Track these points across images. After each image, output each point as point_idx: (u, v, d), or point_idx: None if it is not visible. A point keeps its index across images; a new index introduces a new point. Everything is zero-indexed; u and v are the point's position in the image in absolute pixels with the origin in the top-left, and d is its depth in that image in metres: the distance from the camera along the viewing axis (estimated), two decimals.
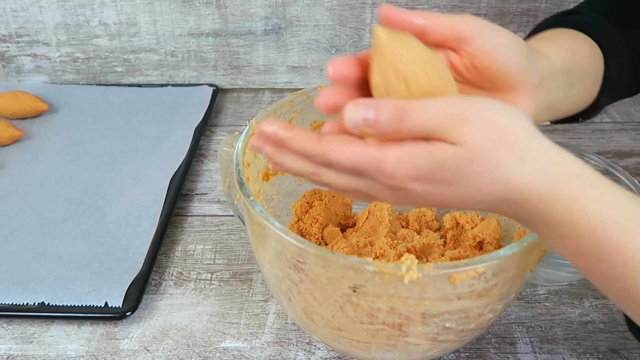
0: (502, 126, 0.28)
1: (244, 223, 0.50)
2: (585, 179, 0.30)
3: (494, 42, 0.33)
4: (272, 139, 0.32)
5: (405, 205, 0.32)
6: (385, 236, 0.49)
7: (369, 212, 0.53)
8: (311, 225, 0.52)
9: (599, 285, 0.32)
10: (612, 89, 0.45)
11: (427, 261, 0.48)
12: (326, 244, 0.52)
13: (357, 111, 0.28)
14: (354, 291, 0.35)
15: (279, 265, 0.39)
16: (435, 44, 0.33)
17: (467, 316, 0.38)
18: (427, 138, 0.28)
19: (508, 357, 0.48)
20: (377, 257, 0.46)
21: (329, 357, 0.49)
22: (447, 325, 0.38)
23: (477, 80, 0.35)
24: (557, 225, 0.30)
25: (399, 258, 0.46)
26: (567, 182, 0.29)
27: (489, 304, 0.38)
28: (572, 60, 0.41)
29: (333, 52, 0.86)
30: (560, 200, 0.29)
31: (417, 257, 0.40)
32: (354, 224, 0.55)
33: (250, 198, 0.39)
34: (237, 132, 0.46)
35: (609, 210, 0.29)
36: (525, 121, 0.29)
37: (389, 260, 0.45)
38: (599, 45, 0.44)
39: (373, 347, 0.40)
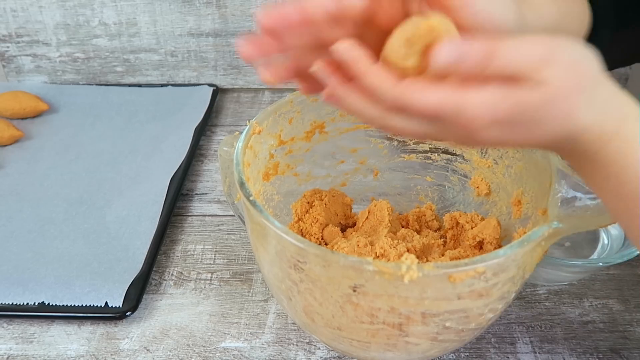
0: (581, 68, 0.29)
1: (244, 223, 0.49)
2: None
3: (486, 5, 0.33)
4: (348, 66, 0.30)
5: (467, 145, 0.32)
6: (385, 236, 0.49)
7: (369, 212, 0.53)
8: (311, 225, 0.52)
9: (634, 229, 0.32)
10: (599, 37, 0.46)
11: (427, 261, 0.48)
12: (326, 244, 0.52)
13: (450, 49, 0.27)
14: (354, 291, 0.35)
15: (279, 265, 0.39)
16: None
17: (467, 316, 0.38)
18: (511, 78, 0.28)
19: (508, 357, 0.48)
20: (378, 257, 0.46)
21: (329, 357, 0.49)
22: (447, 324, 0.38)
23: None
24: (605, 165, 0.31)
25: (399, 258, 0.46)
26: (624, 124, 0.30)
27: (489, 303, 0.38)
28: (562, 21, 0.41)
29: None
30: (614, 140, 0.30)
31: (417, 257, 0.40)
32: (354, 224, 0.55)
33: (251, 198, 0.39)
34: (237, 132, 0.46)
35: None
36: (597, 62, 0.30)
37: (389, 260, 0.45)
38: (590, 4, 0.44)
39: (373, 347, 0.40)
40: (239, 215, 0.51)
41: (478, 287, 0.35)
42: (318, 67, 0.31)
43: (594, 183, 0.33)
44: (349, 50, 0.29)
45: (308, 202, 0.54)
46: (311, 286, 0.38)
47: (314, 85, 0.33)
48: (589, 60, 0.30)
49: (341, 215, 0.55)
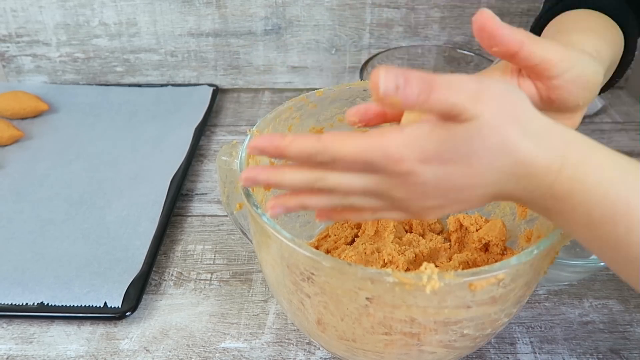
0: (510, 101, 0.29)
1: (244, 234, 0.49)
2: (587, 145, 0.30)
3: (576, 80, 0.34)
4: (269, 151, 0.30)
5: (416, 210, 0.32)
6: (392, 242, 0.49)
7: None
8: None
9: (618, 257, 0.30)
10: (624, 67, 0.47)
11: (436, 266, 0.47)
12: (328, 251, 0.51)
13: (390, 76, 0.27)
14: (369, 302, 0.35)
15: (290, 277, 0.38)
16: (519, 67, 0.34)
17: (484, 322, 0.37)
18: (444, 115, 0.28)
19: (508, 357, 0.48)
20: (386, 264, 0.46)
21: (329, 358, 0.49)
22: (465, 332, 0.37)
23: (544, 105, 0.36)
24: (567, 197, 0.29)
25: (408, 264, 0.46)
26: (570, 149, 0.29)
27: (505, 308, 0.37)
28: (615, 57, 0.42)
29: (333, 52, 0.86)
30: (566, 167, 0.29)
31: (425, 262, 0.40)
32: (357, 227, 0.55)
33: (259, 210, 0.38)
34: (235, 141, 0.46)
35: (616, 171, 0.29)
36: (526, 98, 0.30)
37: (398, 266, 0.45)
38: (621, 27, 0.44)
39: (387, 357, 0.40)
40: (238, 226, 0.50)
41: (496, 293, 0.35)
42: (246, 179, 0.31)
43: (566, 220, 0.31)
44: (258, 142, 0.30)
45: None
46: (325, 299, 0.37)
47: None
48: (519, 94, 0.30)
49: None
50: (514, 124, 0.28)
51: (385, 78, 0.27)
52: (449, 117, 0.28)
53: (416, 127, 0.28)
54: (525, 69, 0.35)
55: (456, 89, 0.28)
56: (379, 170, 0.29)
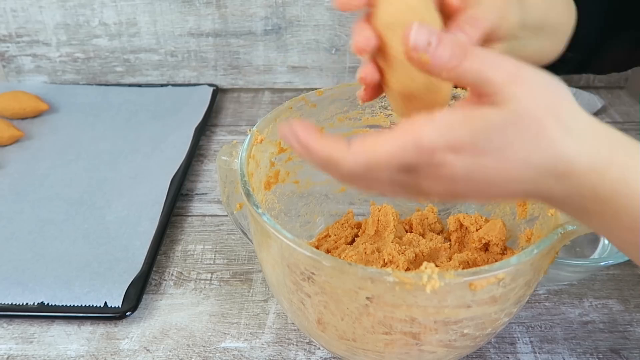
0: (553, 94, 0.27)
1: (244, 234, 0.49)
2: (634, 146, 0.28)
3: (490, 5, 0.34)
4: (297, 149, 0.29)
5: (450, 199, 0.30)
6: (392, 242, 0.49)
7: (373, 218, 0.53)
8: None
9: None
10: (577, 48, 0.44)
11: (437, 266, 0.47)
12: (328, 251, 0.51)
13: (422, 32, 0.26)
14: (370, 301, 0.35)
15: (291, 277, 0.38)
16: None
17: (484, 322, 0.37)
18: (477, 93, 0.27)
19: (508, 357, 0.48)
20: (386, 264, 0.46)
21: (329, 357, 0.49)
22: (465, 331, 0.37)
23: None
24: (611, 199, 0.27)
25: (408, 264, 0.46)
26: (617, 150, 0.27)
27: (506, 308, 0.37)
28: (547, 15, 0.40)
29: (333, 52, 0.86)
30: (612, 169, 0.27)
31: (425, 262, 0.40)
32: (358, 227, 0.55)
33: (260, 210, 0.38)
34: (235, 141, 0.46)
35: None
36: (569, 92, 0.28)
37: (398, 266, 0.45)
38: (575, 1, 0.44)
39: (387, 357, 0.40)
40: (238, 226, 0.50)
41: (497, 293, 0.35)
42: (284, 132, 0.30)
43: (605, 223, 0.29)
44: (290, 139, 0.29)
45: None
46: (326, 298, 0.37)
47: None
48: (562, 87, 0.28)
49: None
50: (555, 118, 0.26)
51: (417, 31, 0.26)
52: (480, 94, 0.27)
53: (448, 114, 0.27)
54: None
55: (492, 64, 0.26)
56: (411, 168, 0.27)
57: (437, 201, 0.32)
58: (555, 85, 0.27)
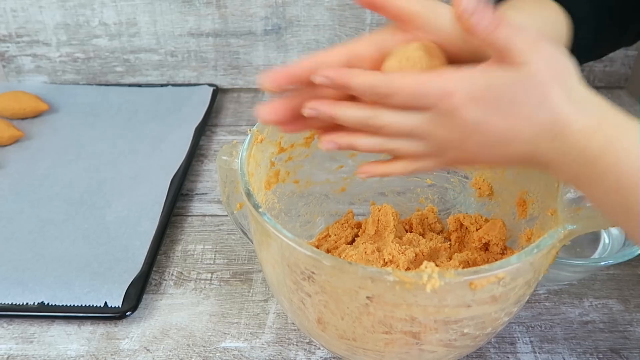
0: (562, 65, 0.31)
1: (244, 233, 0.49)
2: (622, 115, 0.31)
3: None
4: (337, 80, 0.33)
5: (451, 158, 0.34)
6: (392, 242, 0.49)
7: (373, 218, 0.53)
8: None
9: (635, 228, 0.31)
10: (576, 54, 0.46)
11: (437, 265, 0.47)
12: (328, 251, 0.51)
13: (471, 1, 0.30)
14: (370, 301, 0.35)
15: (291, 277, 0.38)
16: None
17: (484, 321, 0.37)
18: (501, 52, 0.31)
19: (508, 357, 0.48)
20: (387, 264, 0.46)
21: (329, 357, 0.49)
22: (465, 331, 0.37)
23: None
24: (598, 159, 0.30)
25: (408, 264, 0.46)
26: (606, 117, 0.31)
27: (506, 307, 0.37)
28: (539, 29, 0.42)
29: None
30: (600, 132, 0.30)
31: (425, 261, 0.40)
32: (358, 227, 0.55)
33: (260, 210, 0.38)
34: (235, 141, 0.46)
35: None
36: (574, 66, 0.32)
37: (398, 266, 0.45)
38: (566, 10, 0.45)
39: (387, 356, 0.40)
40: (238, 226, 0.50)
41: (497, 292, 0.35)
42: (308, 112, 0.34)
43: (593, 188, 0.32)
44: (328, 73, 0.33)
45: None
46: (326, 298, 0.37)
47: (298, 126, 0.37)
48: (570, 60, 0.32)
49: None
50: (559, 85, 0.30)
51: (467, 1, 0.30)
52: (504, 56, 0.30)
53: (472, 67, 0.31)
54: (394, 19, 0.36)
55: (519, 32, 0.30)
56: (430, 105, 0.32)
57: (446, 166, 0.35)
58: (565, 59, 0.32)
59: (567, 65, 0.31)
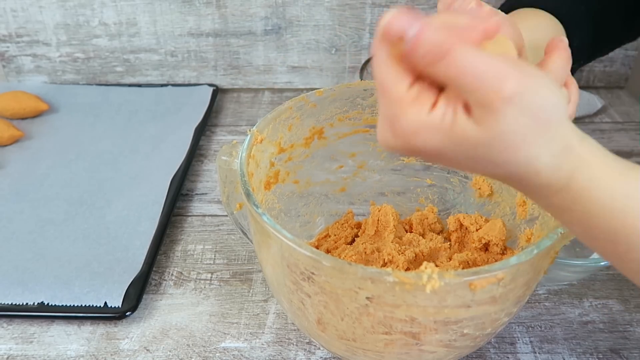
0: (542, 116, 0.26)
1: (244, 234, 0.49)
2: (597, 166, 0.28)
3: None
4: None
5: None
6: (391, 242, 0.49)
7: (372, 218, 0.53)
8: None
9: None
10: (576, 56, 0.46)
11: (436, 266, 0.47)
12: (328, 251, 0.51)
13: (401, 17, 0.24)
14: (370, 301, 0.35)
15: (291, 277, 0.38)
16: None
17: (484, 322, 0.37)
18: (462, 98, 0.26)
19: (508, 357, 0.48)
20: (386, 264, 0.46)
21: (329, 357, 0.49)
22: (465, 331, 0.37)
23: None
24: (567, 211, 0.29)
25: (408, 264, 0.46)
26: (578, 173, 0.28)
27: (505, 308, 0.37)
28: (535, 40, 0.42)
29: (333, 52, 0.86)
30: (567, 191, 0.28)
31: (425, 262, 0.40)
32: (357, 227, 0.55)
33: (260, 210, 0.38)
34: (235, 141, 0.46)
35: (619, 193, 0.28)
36: (563, 111, 0.27)
37: (398, 266, 0.45)
38: (560, 21, 0.45)
39: (387, 357, 0.40)
40: (238, 226, 0.50)
41: (496, 292, 0.35)
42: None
43: (565, 223, 0.31)
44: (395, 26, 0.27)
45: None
46: (325, 298, 0.37)
47: None
48: (556, 105, 0.27)
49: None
50: (530, 142, 0.26)
51: (398, 16, 0.25)
52: (467, 104, 0.26)
53: (435, 115, 0.27)
54: None
55: (485, 69, 0.25)
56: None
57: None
58: (551, 105, 0.26)
59: (550, 114, 0.26)
